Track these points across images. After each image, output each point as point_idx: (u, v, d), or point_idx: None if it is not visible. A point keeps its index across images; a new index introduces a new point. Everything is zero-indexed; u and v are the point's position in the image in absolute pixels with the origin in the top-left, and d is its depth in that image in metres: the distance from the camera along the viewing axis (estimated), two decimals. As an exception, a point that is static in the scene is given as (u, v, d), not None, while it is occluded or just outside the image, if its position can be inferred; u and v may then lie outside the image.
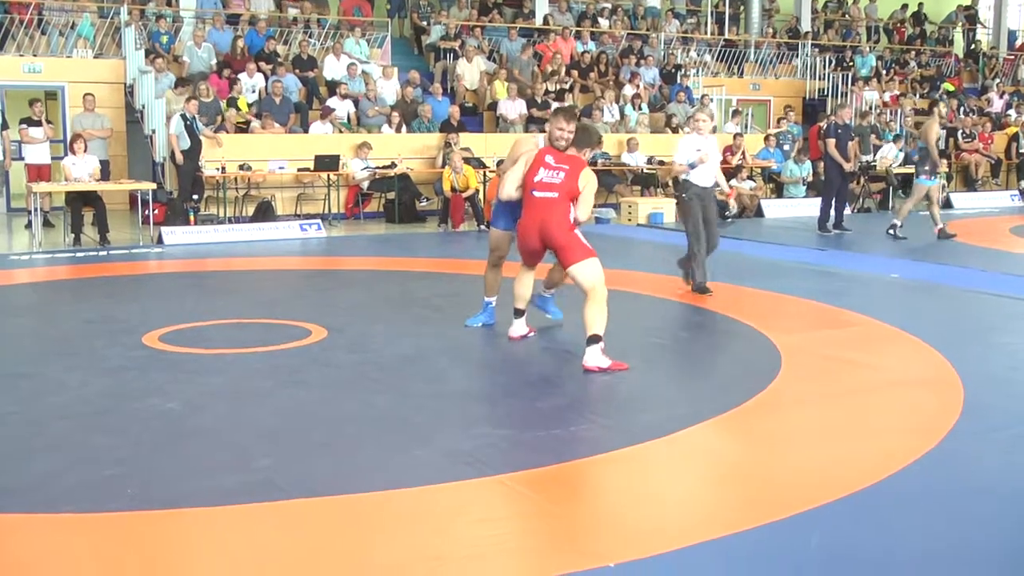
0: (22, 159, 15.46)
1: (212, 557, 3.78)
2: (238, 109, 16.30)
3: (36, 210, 13.42)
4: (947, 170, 20.38)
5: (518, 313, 7.42)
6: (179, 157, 14.32)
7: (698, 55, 23.50)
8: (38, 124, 14.92)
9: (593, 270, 6.68)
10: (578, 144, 7.05)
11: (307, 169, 15.57)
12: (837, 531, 3.96)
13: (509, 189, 7.08)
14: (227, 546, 3.87)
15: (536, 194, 6.85)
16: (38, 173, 14.64)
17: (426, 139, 17.18)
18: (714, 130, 10.26)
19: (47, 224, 14.85)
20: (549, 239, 6.80)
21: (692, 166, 9.09)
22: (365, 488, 4.36)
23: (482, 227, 15.13)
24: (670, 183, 9.45)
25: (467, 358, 7.04)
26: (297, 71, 17.89)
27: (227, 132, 15.60)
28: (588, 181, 6.87)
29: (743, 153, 18.62)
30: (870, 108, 21.84)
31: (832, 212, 14.83)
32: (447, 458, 4.78)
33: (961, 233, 14.61)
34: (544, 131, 7.50)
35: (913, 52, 27.35)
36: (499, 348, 7.19)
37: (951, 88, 25.80)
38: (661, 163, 18.41)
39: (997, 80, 27.08)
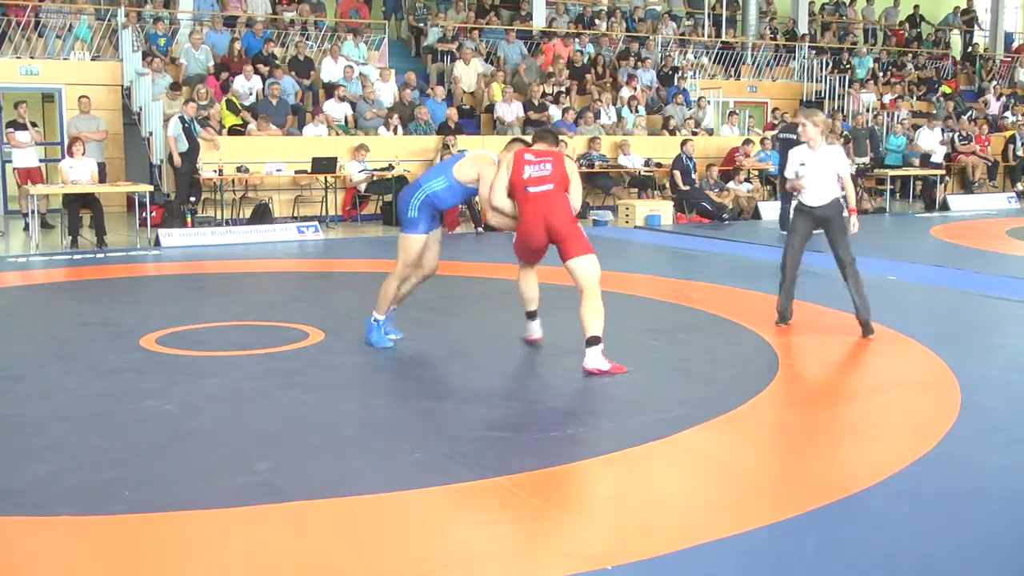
0: (10, 162, 15.47)
1: (211, 560, 3.77)
2: (237, 111, 16.28)
3: (32, 212, 13.41)
4: (944, 172, 20.44)
5: (532, 316, 7.26)
6: (177, 159, 14.32)
7: (695, 57, 23.51)
8: (23, 127, 14.89)
9: (592, 266, 6.65)
10: (538, 139, 7.15)
11: (304, 171, 15.57)
12: (835, 533, 3.97)
13: (501, 197, 6.85)
14: (226, 548, 3.87)
15: (531, 190, 6.75)
16: (28, 176, 14.61)
17: (423, 141, 17.17)
18: (847, 141, 7.63)
19: (45, 225, 14.85)
20: (554, 231, 6.70)
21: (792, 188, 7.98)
22: (364, 490, 4.36)
23: (479, 229, 15.15)
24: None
25: (464, 360, 7.04)
26: (294, 73, 17.88)
27: (213, 129, 15.54)
28: (573, 169, 6.91)
29: (746, 154, 18.68)
30: (867, 110, 21.85)
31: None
32: (445, 460, 4.78)
33: (958, 235, 14.63)
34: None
35: (910, 54, 27.37)
36: (497, 350, 7.19)
37: (948, 90, 25.83)
38: (659, 165, 18.43)
39: (994, 82, 27.12)
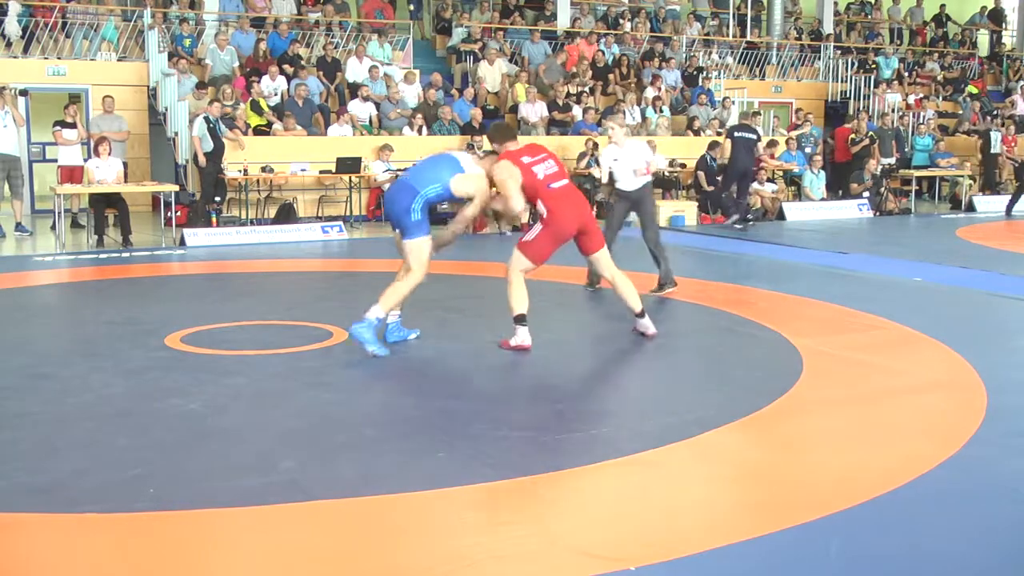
0: (50, 161, 15.51)
1: (234, 558, 3.79)
2: (261, 112, 16.35)
3: (60, 212, 13.49)
4: (970, 172, 20.30)
5: (522, 320, 7.14)
6: (202, 159, 14.38)
7: (720, 57, 23.44)
8: (72, 126, 14.98)
9: (609, 255, 7.46)
10: (503, 139, 7.27)
11: (329, 171, 15.62)
12: (859, 535, 3.95)
13: (519, 202, 7.00)
14: (249, 547, 3.88)
15: (553, 186, 7.05)
16: (71, 175, 14.67)
17: (447, 141, 17.17)
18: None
19: (76, 225, 14.95)
20: (585, 224, 7.18)
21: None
22: (387, 490, 4.37)
23: (503, 231, 15.15)
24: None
25: (488, 360, 7.03)
26: (321, 74, 17.94)
27: (240, 131, 15.59)
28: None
29: (771, 156, 18.64)
30: (893, 111, 21.74)
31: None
32: (468, 460, 4.79)
33: (984, 236, 14.53)
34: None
35: (936, 54, 27.21)
36: (519, 351, 7.17)
37: (975, 90, 25.66)
38: (683, 166, 18.40)
39: (1021, 82, 26.90)
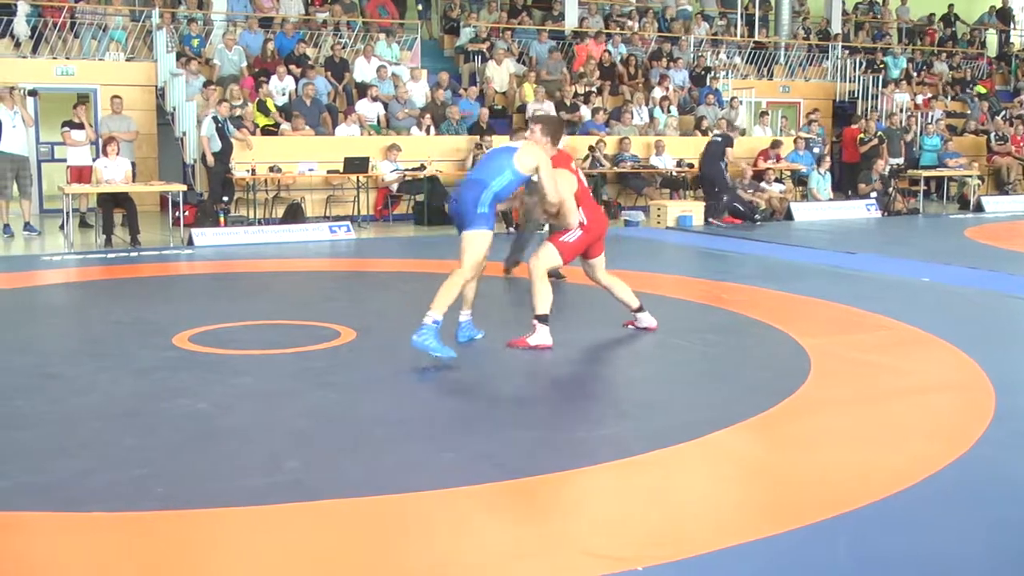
0: (59, 161, 15.52)
1: (240, 557, 3.79)
2: (268, 112, 16.36)
3: (68, 212, 13.51)
4: (979, 172, 20.25)
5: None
6: (210, 159, 14.40)
7: (728, 57, 23.41)
8: (80, 126, 14.99)
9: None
10: (558, 137, 7.35)
11: (337, 171, 15.62)
12: (867, 536, 3.94)
13: (577, 216, 7.29)
14: (255, 546, 3.88)
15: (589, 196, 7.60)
16: (79, 175, 14.68)
17: (455, 141, 17.19)
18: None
19: (84, 225, 14.97)
20: (606, 228, 7.63)
21: None
22: (393, 490, 4.36)
23: (510, 229, 15.13)
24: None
25: (495, 360, 7.02)
26: (329, 73, 17.95)
27: (248, 130, 15.62)
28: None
29: (777, 157, 18.61)
30: (901, 111, 21.70)
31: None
32: (475, 460, 4.79)
33: (993, 237, 14.49)
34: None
35: (944, 54, 27.14)
36: (526, 351, 7.17)
37: (983, 90, 25.59)
38: (690, 166, 18.37)
39: (1030, 83, 26.88)
